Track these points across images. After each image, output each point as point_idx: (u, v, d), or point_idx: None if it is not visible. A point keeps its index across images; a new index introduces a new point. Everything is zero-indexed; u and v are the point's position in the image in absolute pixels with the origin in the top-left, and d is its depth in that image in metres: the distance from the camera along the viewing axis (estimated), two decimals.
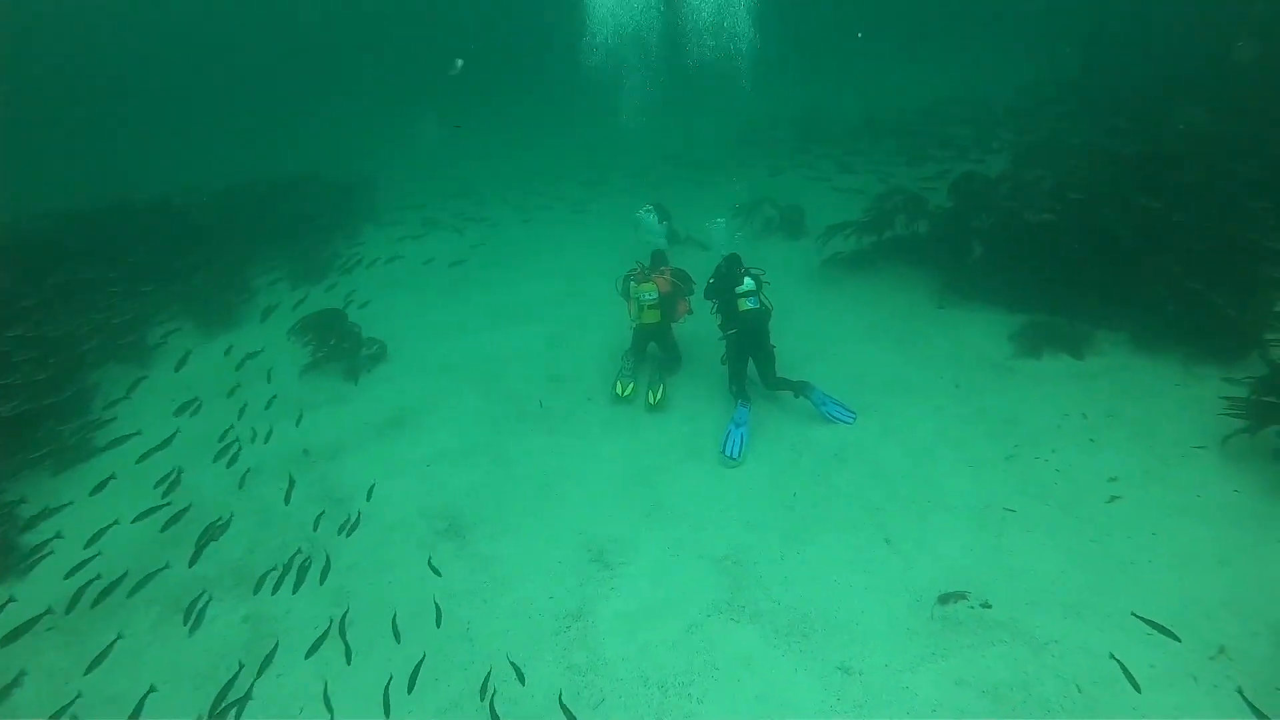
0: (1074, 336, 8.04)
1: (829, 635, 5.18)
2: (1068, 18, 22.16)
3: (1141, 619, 4.94)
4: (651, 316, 8.38)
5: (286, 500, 7.26)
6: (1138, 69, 16.79)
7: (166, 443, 8.38)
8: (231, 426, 8.62)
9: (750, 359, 7.73)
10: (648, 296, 8.29)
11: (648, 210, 11.61)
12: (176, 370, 9.99)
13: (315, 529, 6.84)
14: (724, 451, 7.19)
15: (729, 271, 7.79)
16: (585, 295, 11.34)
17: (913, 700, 4.67)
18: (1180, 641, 4.77)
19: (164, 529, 7.05)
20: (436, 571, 6.11)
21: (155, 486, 7.69)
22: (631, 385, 8.43)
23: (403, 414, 8.55)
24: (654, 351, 8.83)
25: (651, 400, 8.17)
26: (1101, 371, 7.65)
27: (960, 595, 5.33)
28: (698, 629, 5.34)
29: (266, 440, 8.34)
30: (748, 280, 7.57)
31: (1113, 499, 6.02)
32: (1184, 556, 5.45)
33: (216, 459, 8.05)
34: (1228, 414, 6.37)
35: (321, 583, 6.21)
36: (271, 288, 13.12)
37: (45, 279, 11.26)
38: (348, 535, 6.71)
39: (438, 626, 5.62)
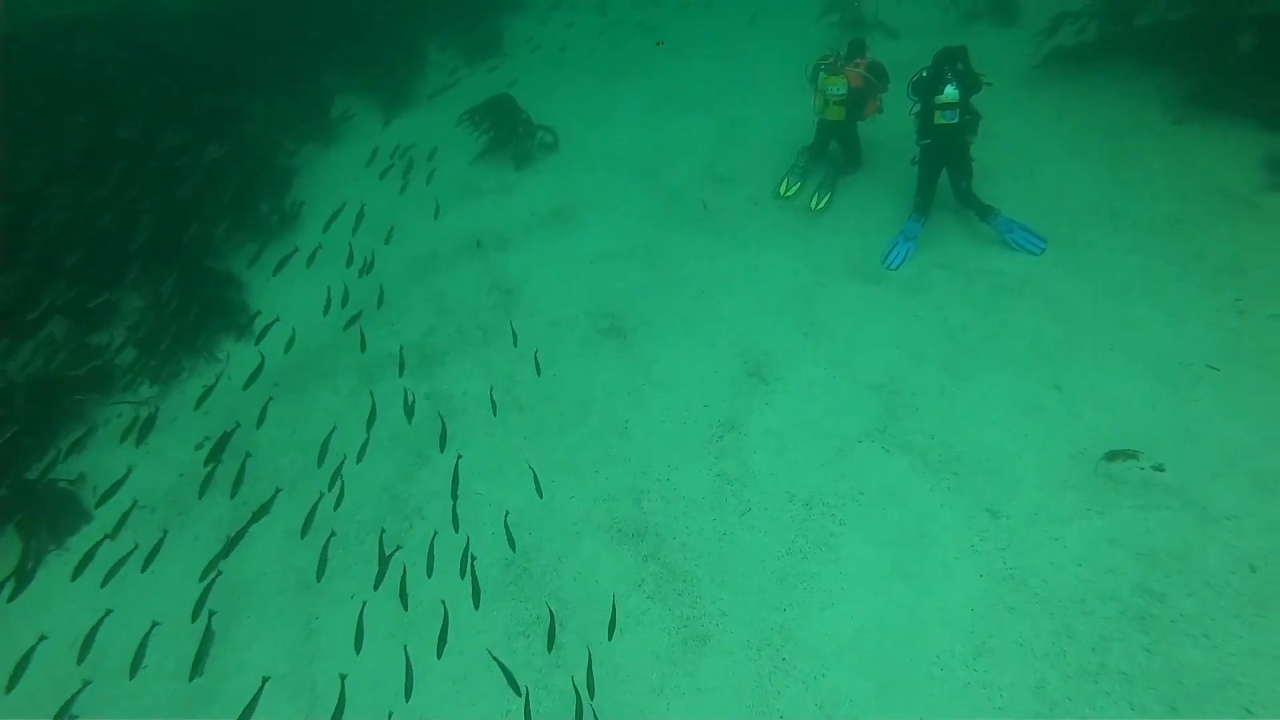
0: None
1: (980, 476, 5.17)
2: None
3: None
4: (836, 114, 7.76)
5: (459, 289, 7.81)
6: None
7: (359, 217, 8.94)
8: (406, 216, 9.13)
9: (945, 169, 7.06)
10: (835, 91, 7.61)
11: None
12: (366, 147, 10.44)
13: (487, 318, 7.35)
14: (885, 261, 7.03)
15: (936, 73, 6.82)
16: (757, 82, 10.55)
17: (1059, 552, 4.68)
18: None
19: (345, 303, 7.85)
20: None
21: (346, 267, 8.38)
22: (798, 185, 8.11)
23: (566, 208, 8.67)
24: (834, 150, 8.27)
25: (815, 205, 7.85)
26: None
27: (1131, 454, 5.06)
28: (848, 454, 5.48)
29: (442, 226, 8.77)
30: (949, 89, 6.60)
31: None
32: None
33: (393, 243, 8.61)
34: None
35: (493, 370, 6.77)
36: (443, 63, 13.15)
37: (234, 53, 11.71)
38: (520, 327, 7.15)
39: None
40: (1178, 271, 6.35)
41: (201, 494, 6.16)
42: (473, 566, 5.20)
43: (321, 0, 13.11)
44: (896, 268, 6.93)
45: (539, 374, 6.43)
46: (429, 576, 5.27)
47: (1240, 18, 7.85)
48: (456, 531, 5.50)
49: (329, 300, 7.86)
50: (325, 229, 8.92)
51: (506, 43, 13.75)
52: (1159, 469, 4.98)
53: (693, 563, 5.08)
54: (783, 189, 8.10)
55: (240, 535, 5.77)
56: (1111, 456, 5.10)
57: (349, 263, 8.33)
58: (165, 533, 5.97)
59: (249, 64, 11.49)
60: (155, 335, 7.60)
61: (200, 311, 7.77)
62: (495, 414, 6.33)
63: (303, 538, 5.70)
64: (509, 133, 9.65)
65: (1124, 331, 5.94)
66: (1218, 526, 4.62)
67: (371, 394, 6.75)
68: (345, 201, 9.41)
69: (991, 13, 11.07)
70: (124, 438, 6.78)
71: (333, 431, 6.43)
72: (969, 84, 6.72)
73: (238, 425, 6.68)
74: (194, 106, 10.26)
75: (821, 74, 7.69)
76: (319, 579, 5.44)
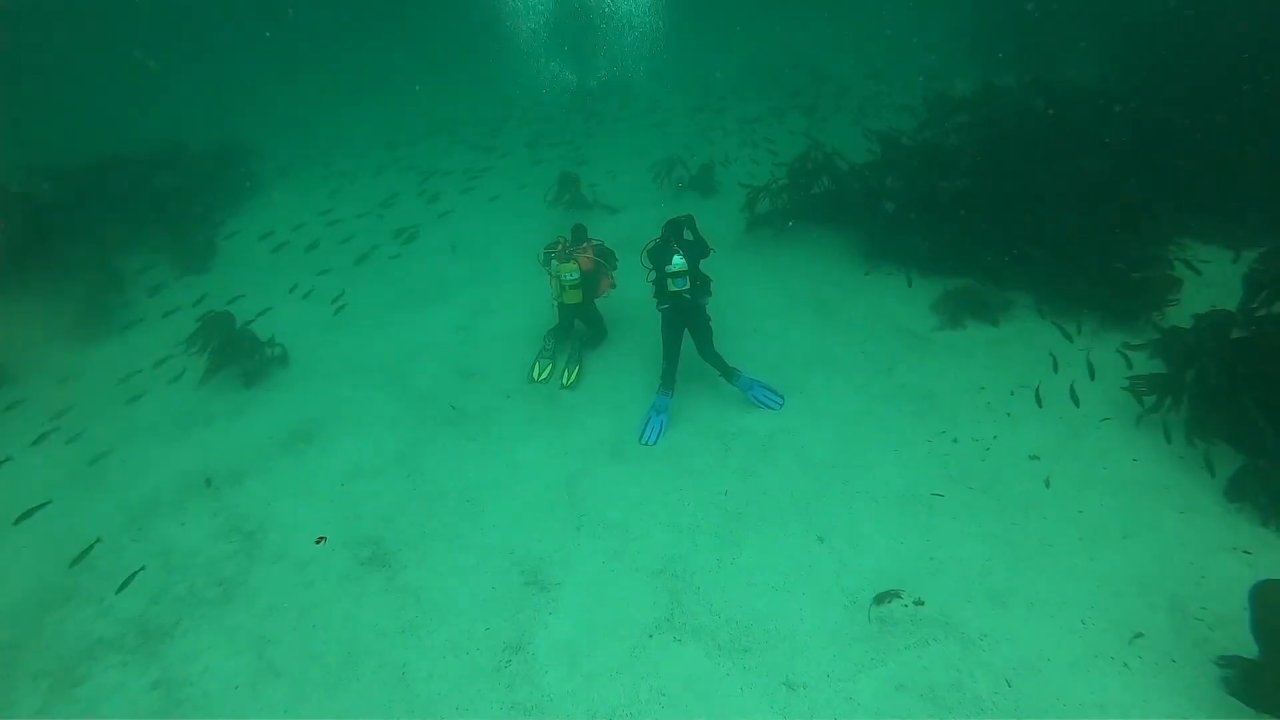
0: (991, 302, 8.15)
1: (771, 648, 5.20)
2: None
3: None
4: (574, 297, 8.12)
5: (190, 539, 6.74)
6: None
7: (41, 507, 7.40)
8: (118, 454, 7.92)
9: (686, 330, 7.43)
10: (569, 276, 7.98)
11: None
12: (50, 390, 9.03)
13: (226, 569, 6.38)
14: (641, 439, 7.21)
15: (664, 244, 7.35)
16: (491, 274, 10.84)
17: (856, 711, 4.76)
18: None
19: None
20: None
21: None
22: (550, 367, 8.24)
23: (308, 425, 8.00)
24: (579, 328, 8.57)
25: (566, 381, 8.03)
26: (1014, 337, 7.82)
27: (894, 594, 5.43)
28: (642, 652, 5.27)
29: (161, 466, 7.66)
30: (676, 259, 7.10)
31: (1048, 483, 6.16)
32: (1094, 533, 5.71)
33: (104, 493, 7.37)
34: (1131, 390, 6.59)
35: (238, 633, 5.81)
36: (147, 278, 12.02)
37: None
38: (262, 574, 6.28)
39: None
40: (892, 407, 7.21)
41: None
42: None
43: None
44: (653, 443, 7.14)
45: None
46: None
47: (880, 187, 9.58)
48: None
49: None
50: None
51: (221, 249, 12.96)
52: (920, 603, 5.37)
53: None
54: (535, 373, 8.18)
55: None
56: (879, 600, 5.42)
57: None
58: None
59: None
60: None
61: None
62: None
63: None
64: (233, 351, 8.82)
65: (864, 473, 6.53)
66: (976, 648, 5.01)
67: None
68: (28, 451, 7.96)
69: (694, 187, 12.59)
70: None
71: None
72: (696, 251, 7.36)
73: None
74: None
75: (553, 261, 8.06)
76: None
